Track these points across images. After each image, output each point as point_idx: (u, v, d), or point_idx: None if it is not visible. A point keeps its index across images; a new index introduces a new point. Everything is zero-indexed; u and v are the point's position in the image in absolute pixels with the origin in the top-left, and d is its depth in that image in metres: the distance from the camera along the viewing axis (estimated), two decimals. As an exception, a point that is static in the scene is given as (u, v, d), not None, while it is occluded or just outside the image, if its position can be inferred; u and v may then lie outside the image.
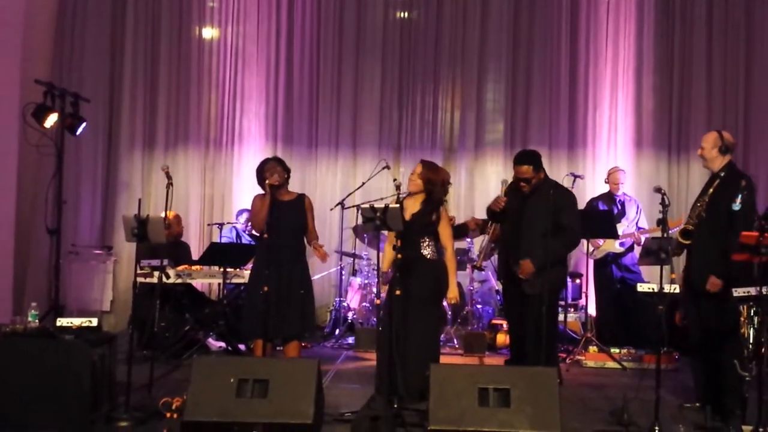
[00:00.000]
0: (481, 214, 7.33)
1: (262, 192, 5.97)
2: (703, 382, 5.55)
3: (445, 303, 6.70)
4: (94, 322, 5.09)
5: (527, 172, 5.91)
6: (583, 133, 9.57)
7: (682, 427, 5.07)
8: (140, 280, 6.64)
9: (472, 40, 9.66)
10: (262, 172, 5.99)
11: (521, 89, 9.65)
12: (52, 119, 6.54)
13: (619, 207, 8.35)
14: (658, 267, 5.17)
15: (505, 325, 7.82)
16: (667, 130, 9.50)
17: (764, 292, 4.83)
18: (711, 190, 5.44)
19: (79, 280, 8.74)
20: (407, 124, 9.72)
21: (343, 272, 9.00)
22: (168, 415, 4.95)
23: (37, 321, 5.06)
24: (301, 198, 6.06)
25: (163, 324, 6.86)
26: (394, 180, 5.89)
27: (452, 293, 5.70)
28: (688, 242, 5.43)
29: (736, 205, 5.31)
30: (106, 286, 9.00)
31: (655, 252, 5.23)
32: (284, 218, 5.85)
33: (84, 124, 6.77)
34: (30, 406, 4.67)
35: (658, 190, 5.29)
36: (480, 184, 9.59)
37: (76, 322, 5.02)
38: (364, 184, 8.60)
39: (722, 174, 5.45)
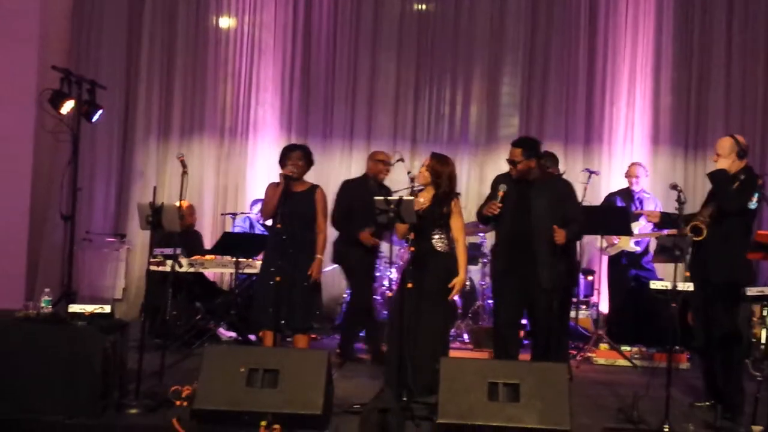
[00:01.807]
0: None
1: (276, 180, 5.95)
2: (710, 381, 5.51)
3: (456, 297, 6.68)
4: (107, 309, 5.10)
5: (515, 155, 5.73)
6: (599, 129, 9.51)
7: (692, 426, 5.04)
8: (153, 268, 6.65)
9: (488, 34, 9.62)
10: (284, 158, 5.99)
11: (537, 83, 9.60)
12: (68, 106, 6.57)
13: (638, 204, 8.28)
14: (672, 265, 5.14)
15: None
16: (684, 127, 9.43)
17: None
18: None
19: (92, 267, 8.79)
20: (422, 117, 9.69)
21: (355, 264, 8.97)
22: (178, 403, 4.96)
23: (50, 307, 5.09)
24: (313, 189, 6.02)
25: (174, 313, 6.88)
26: (408, 173, 5.88)
27: (460, 278, 5.62)
28: (699, 238, 5.36)
29: (753, 204, 5.27)
30: (119, 274, 9.05)
31: (670, 249, 5.20)
32: (294, 209, 5.83)
33: (100, 112, 6.80)
34: (41, 391, 4.69)
35: (674, 187, 5.25)
36: (494, 177, 9.52)
37: (89, 308, 5.03)
38: (378, 176, 8.56)
39: (742, 177, 5.38)
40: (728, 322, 5.32)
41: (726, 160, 5.44)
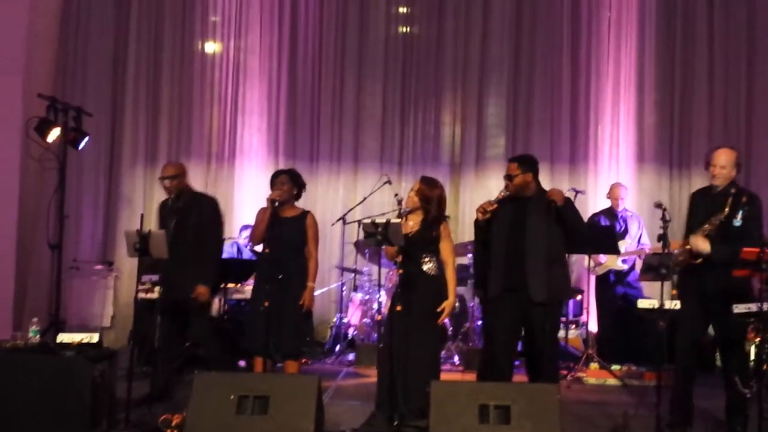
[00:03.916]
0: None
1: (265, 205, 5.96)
2: (685, 403, 5.47)
3: (446, 320, 6.66)
4: (95, 338, 5.09)
5: (512, 169, 5.62)
6: (584, 148, 9.57)
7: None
8: (141, 295, 6.61)
9: (473, 56, 9.69)
10: (272, 184, 6.00)
11: (523, 104, 9.67)
12: (54, 133, 6.57)
13: (622, 223, 8.34)
14: (659, 283, 5.16)
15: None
16: (668, 146, 9.50)
17: (765, 308, 4.84)
18: (727, 209, 5.31)
19: (79, 295, 8.75)
20: (409, 139, 9.74)
21: (344, 288, 8.98)
22: (168, 431, 4.93)
23: (38, 337, 5.07)
24: (304, 215, 6.02)
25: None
26: (396, 195, 5.89)
27: (450, 301, 5.56)
28: (699, 261, 5.35)
29: (737, 221, 5.30)
30: (107, 302, 9.00)
31: (656, 267, 5.22)
32: (284, 234, 5.83)
33: (86, 139, 6.80)
34: (30, 422, 4.67)
35: (659, 205, 5.28)
36: (482, 198, 9.40)
37: (77, 338, 5.02)
38: (365, 199, 8.61)
39: (733, 191, 5.39)
40: (729, 338, 5.33)
41: (730, 173, 5.45)
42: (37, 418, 4.67)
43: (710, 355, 6.97)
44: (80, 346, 4.97)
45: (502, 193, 5.50)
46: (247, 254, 8.60)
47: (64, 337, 5.04)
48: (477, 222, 5.66)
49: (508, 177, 5.62)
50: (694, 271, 5.37)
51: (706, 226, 5.33)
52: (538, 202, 5.57)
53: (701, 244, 5.32)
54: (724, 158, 5.46)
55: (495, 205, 5.46)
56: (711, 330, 5.78)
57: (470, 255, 8.47)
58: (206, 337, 6.21)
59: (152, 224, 6.37)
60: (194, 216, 5.97)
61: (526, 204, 5.58)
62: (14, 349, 4.91)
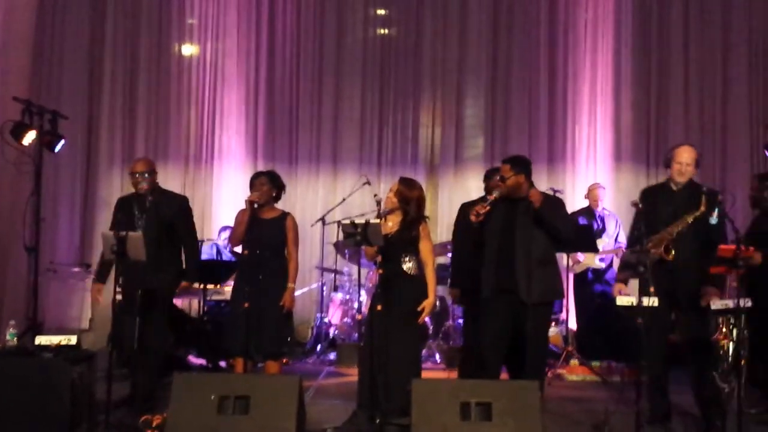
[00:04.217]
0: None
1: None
2: (659, 400, 5.51)
3: (427, 319, 6.67)
4: (73, 340, 5.06)
5: (504, 171, 5.62)
6: (562, 148, 9.64)
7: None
8: (119, 297, 6.56)
9: (451, 57, 9.74)
10: (251, 186, 5.98)
11: (500, 105, 9.72)
12: (30, 137, 6.51)
13: (599, 222, 8.41)
14: (637, 280, 5.21)
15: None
16: (645, 145, 9.59)
17: (742, 305, 4.89)
18: (703, 207, 5.30)
19: (57, 298, 8.67)
20: (388, 140, 9.77)
21: (324, 288, 8.99)
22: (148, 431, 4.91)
23: (15, 339, 5.02)
24: (284, 216, 5.99)
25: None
26: (375, 196, 5.90)
27: (429, 300, 5.56)
28: (670, 257, 5.37)
29: (713, 219, 5.35)
30: (85, 304, 8.91)
31: (634, 265, 5.25)
32: (264, 236, 5.82)
33: (62, 142, 6.73)
34: (10, 424, 4.63)
35: (635, 204, 5.33)
36: (461, 199, 9.46)
37: (55, 340, 4.98)
38: (344, 200, 8.64)
39: (704, 189, 5.42)
40: (702, 335, 5.37)
41: (694, 170, 5.51)
42: (16, 421, 4.63)
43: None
44: (59, 348, 4.93)
45: (495, 195, 5.50)
46: (226, 255, 8.58)
47: (42, 340, 5.00)
48: (471, 224, 5.64)
49: (501, 178, 5.63)
50: (663, 267, 5.36)
51: (679, 224, 5.37)
52: (529, 203, 5.58)
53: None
54: (687, 155, 5.52)
55: (488, 208, 5.44)
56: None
57: (449, 255, 8.49)
58: (163, 331, 6.11)
59: (108, 220, 6.32)
60: (165, 213, 5.91)
61: (518, 205, 5.59)
62: (-8, 351, 4.87)
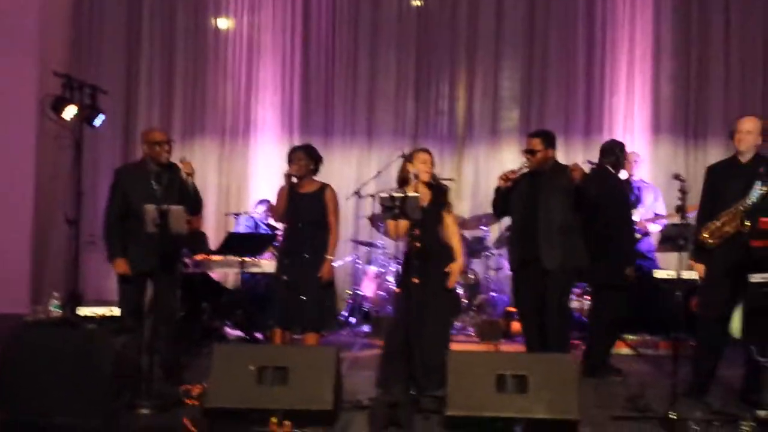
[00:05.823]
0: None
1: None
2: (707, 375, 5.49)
3: (460, 290, 6.68)
4: (116, 311, 5.14)
5: (534, 144, 5.74)
6: (599, 120, 9.52)
7: (699, 413, 5.07)
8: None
9: (487, 28, 9.64)
10: (289, 161, 5.99)
11: (537, 76, 9.62)
12: (70, 111, 6.57)
13: (636, 193, 8.30)
14: (674, 254, 5.16)
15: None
16: (684, 116, 9.44)
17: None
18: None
19: (98, 270, 8.80)
20: (423, 113, 9.73)
21: (359, 261, 9.03)
22: (189, 402, 5.00)
23: (59, 310, 5.12)
24: (323, 189, 6.00)
25: (182, 313, 6.90)
26: (402, 155, 5.92)
27: (459, 262, 5.62)
28: (746, 229, 5.16)
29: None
30: (125, 276, 9.04)
31: (674, 238, 5.22)
32: (303, 209, 5.85)
33: (102, 116, 6.80)
34: (54, 394, 4.72)
35: (677, 176, 5.26)
36: (495, 172, 9.42)
37: (99, 311, 5.07)
38: (379, 173, 8.63)
39: (760, 160, 5.35)
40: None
41: (756, 139, 5.40)
42: (60, 391, 4.72)
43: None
44: (102, 320, 5.02)
45: (525, 167, 5.56)
46: (263, 228, 8.65)
47: (85, 311, 5.10)
48: (499, 189, 5.74)
49: (531, 152, 5.68)
50: (737, 241, 5.23)
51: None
52: (552, 176, 5.63)
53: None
54: (749, 124, 5.46)
55: (517, 175, 5.56)
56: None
57: (483, 227, 8.49)
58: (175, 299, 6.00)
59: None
60: (177, 184, 5.87)
61: (541, 178, 5.65)
62: (36, 322, 4.97)
